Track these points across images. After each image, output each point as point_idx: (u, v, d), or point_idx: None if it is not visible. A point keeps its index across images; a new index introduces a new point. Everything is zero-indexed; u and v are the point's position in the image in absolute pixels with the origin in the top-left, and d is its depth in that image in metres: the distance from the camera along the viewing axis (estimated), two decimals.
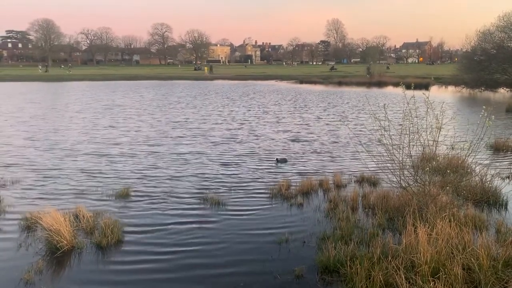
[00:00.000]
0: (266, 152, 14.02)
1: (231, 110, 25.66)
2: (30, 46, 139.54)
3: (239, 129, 18.70)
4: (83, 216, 7.60)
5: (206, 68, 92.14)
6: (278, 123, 20.70)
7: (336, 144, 15.43)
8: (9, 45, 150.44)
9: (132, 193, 9.47)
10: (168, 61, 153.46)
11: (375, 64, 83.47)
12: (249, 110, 25.80)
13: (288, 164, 12.30)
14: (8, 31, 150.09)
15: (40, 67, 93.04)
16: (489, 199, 8.77)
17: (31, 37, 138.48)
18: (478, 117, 7.66)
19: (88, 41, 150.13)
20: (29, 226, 7.49)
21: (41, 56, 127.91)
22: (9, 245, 6.88)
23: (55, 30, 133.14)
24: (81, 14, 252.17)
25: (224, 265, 6.30)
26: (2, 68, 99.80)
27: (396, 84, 48.29)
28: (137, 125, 19.83)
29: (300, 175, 11.08)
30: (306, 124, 20.17)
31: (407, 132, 8.00)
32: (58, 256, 6.44)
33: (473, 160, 9.14)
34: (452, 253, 5.68)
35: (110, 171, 11.49)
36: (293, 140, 16.08)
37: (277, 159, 12.58)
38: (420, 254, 5.54)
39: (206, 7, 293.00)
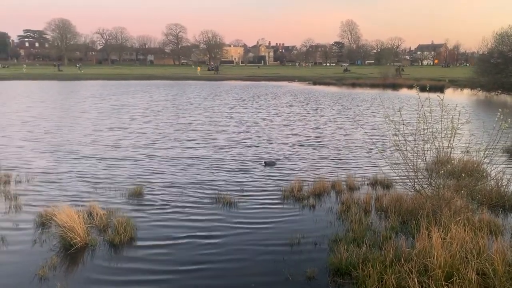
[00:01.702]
0: (278, 154, 14.01)
1: (242, 112, 25.53)
2: (46, 45, 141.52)
3: (250, 132, 18.58)
4: (97, 214, 7.69)
5: (198, 68, 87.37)
6: (290, 125, 20.62)
7: (349, 146, 15.35)
8: (26, 44, 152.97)
9: (145, 192, 9.54)
10: (182, 61, 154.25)
11: (389, 66, 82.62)
12: (260, 112, 25.72)
13: (300, 166, 12.28)
14: (26, 31, 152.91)
15: (24, 66, 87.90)
16: (505, 204, 8.63)
17: (47, 37, 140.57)
18: (494, 120, 7.55)
19: (104, 41, 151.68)
20: (43, 222, 7.60)
21: (57, 55, 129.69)
22: (24, 241, 6.99)
23: (71, 30, 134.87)
24: (96, 14, 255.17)
25: (236, 265, 6.31)
26: (20, 66, 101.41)
27: (410, 87, 47.90)
28: (148, 126, 19.91)
29: (312, 177, 11.04)
30: (319, 127, 20.09)
31: (422, 135, 7.93)
32: (71, 252, 6.52)
33: (489, 164, 9.00)
34: (467, 258, 5.61)
35: (123, 171, 11.60)
36: (305, 142, 16.04)
37: (265, 162, 12.39)
38: (433, 258, 5.48)
39: (220, 8, 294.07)
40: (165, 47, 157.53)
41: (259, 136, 17.17)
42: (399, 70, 67.08)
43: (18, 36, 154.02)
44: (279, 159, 13.04)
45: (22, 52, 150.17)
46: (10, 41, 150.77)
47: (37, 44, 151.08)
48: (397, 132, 8.39)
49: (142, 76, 70.47)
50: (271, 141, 16.09)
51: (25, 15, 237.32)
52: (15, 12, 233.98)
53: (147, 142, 15.64)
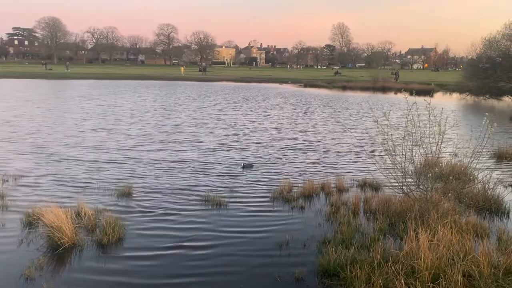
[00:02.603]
0: (267, 157, 14.03)
1: (231, 114, 25.38)
2: (36, 44, 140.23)
3: (239, 134, 18.54)
4: (85, 214, 7.64)
5: (182, 68, 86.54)
6: (279, 128, 20.65)
7: (338, 149, 15.42)
8: (16, 42, 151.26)
9: (134, 193, 9.49)
10: (173, 61, 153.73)
11: (379, 70, 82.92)
12: (250, 114, 25.67)
13: (289, 169, 12.31)
14: (15, 28, 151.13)
15: None
16: (491, 207, 8.75)
17: (37, 35, 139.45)
18: (482, 124, 7.66)
19: (94, 40, 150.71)
20: (30, 222, 7.52)
21: (47, 54, 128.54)
22: (10, 241, 6.91)
23: (62, 28, 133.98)
24: (87, 13, 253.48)
25: (224, 267, 6.31)
26: (8, 64, 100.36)
27: (400, 90, 48.28)
28: (135, 127, 19.67)
29: (302, 179, 11.07)
30: (308, 130, 20.15)
31: (410, 139, 8.01)
32: (59, 252, 6.46)
33: (476, 168, 9.11)
34: (453, 260, 5.68)
35: (112, 171, 11.53)
36: (294, 145, 16.08)
37: (243, 164, 12.27)
38: (420, 260, 5.54)
39: (212, 9, 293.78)
40: (156, 47, 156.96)
41: (248, 139, 17.03)
42: (397, 74, 67.38)
43: (7, 34, 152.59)
44: (269, 161, 13.04)
45: (11, 50, 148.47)
46: None
47: (26, 42, 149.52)
48: (386, 136, 8.46)
49: (132, 76, 69.94)
50: (260, 144, 16.03)
51: (15, 13, 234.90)
52: (4, 9, 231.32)
53: (134, 144, 15.49)
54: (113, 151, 13.95)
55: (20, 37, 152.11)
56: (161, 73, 78.96)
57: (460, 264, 5.52)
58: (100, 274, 5.98)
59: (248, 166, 12.13)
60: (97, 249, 6.67)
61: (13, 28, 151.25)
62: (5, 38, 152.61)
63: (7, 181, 10.23)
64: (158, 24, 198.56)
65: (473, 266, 5.48)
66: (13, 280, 5.70)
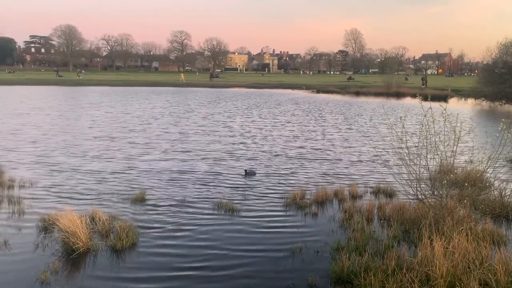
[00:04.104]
0: (279, 163, 14.02)
1: (243, 121, 25.36)
2: (52, 51, 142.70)
3: (251, 142, 18.57)
4: (99, 219, 7.71)
5: (182, 75, 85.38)
6: (292, 135, 20.61)
7: (352, 155, 15.34)
8: (32, 50, 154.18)
9: (148, 198, 9.56)
10: (186, 68, 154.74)
11: (393, 75, 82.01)
12: (262, 121, 25.70)
13: (302, 175, 12.28)
14: (32, 36, 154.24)
15: None
16: (508, 214, 8.60)
17: (53, 43, 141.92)
18: (497, 130, 7.56)
19: (109, 47, 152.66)
20: (46, 227, 7.63)
21: (62, 61, 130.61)
22: (26, 245, 7.02)
23: (77, 36, 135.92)
24: (102, 20, 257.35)
25: (238, 273, 6.31)
26: (25, 72, 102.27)
27: (414, 95, 47.82)
28: (146, 135, 19.85)
29: (315, 185, 11.03)
30: (321, 136, 20.09)
31: (425, 144, 7.94)
32: (73, 257, 6.54)
33: (492, 174, 8.98)
34: (469, 268, 5.59)
35: (126, 176, 11.64)
36: (306, 151, 16.04)
37: (245, 170, 12.15)
38: (435, 267, 5.47)
39: (225, 15, 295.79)
40: (170, 54, 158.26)
41: (259, 147, 16.86)
42: (424, 79, 66.73)
43: (25, 41, 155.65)
44: (281, 169, 13.02)
45: (28, 57, 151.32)
46: (17, 46, 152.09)
47: (43, 50, 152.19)
48: (400, 142, 8.39)
49: (145, 83, 70.62)
50: (271, 152, 15.99)
51: (32, 21, 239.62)
52: (21, 18, 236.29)
53: (144, 152, 15.50)
54: (124, 160, 14.05)
55: (37, 45, 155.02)
56: (174, 80, 79.37)
57: (476, 272, 5.43)
58: (114, 280, 6.02)
59: (251, 174, 12.02)
60: (111, 255, 6.73)
61: (30, 36, 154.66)
62: (22, 46, 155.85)
63: (23, 186, 10.39)
64: (172, 30, 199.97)
65: (489, 274, 5.39)
66: (28, 284, 5.77)
